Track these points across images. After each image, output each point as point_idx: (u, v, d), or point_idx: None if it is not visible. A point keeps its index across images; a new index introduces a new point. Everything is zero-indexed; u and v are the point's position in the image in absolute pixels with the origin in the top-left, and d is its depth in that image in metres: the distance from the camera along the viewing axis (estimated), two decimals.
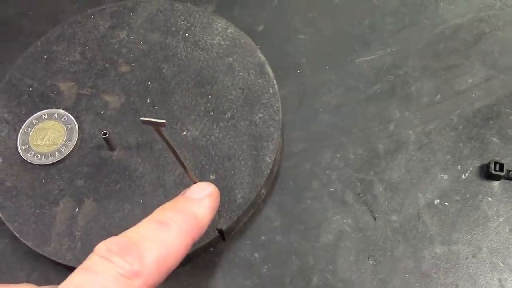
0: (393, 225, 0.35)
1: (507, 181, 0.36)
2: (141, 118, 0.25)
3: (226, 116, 0.36)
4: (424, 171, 0.36)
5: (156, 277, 0.25)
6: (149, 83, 0.38)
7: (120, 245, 0.25)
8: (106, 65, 0.38)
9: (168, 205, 0.28)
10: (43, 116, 0.37)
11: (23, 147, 0.35)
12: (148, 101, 0.37)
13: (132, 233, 0.26)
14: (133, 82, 0.38)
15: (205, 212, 0.29)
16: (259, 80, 0.37)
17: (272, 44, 0.41)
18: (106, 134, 0.34)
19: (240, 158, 0.35)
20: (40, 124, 0.36)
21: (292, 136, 0.38)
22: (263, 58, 0.38)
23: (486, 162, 0.36)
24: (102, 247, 0.25)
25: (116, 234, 0.32)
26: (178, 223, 0.27)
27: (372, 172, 0.37)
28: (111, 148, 0.35)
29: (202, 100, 0.37)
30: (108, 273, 0.24)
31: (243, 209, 0.33)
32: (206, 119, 0.36)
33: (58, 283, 0.23)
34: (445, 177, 0.36)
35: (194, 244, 0.32)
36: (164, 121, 0.24)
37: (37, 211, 0.34)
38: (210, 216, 0.29)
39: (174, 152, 0.28)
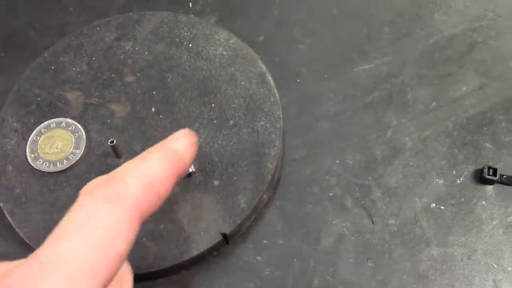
0: (391, 228, 0.36)
1: (501, 185, 0.37)
2: None
3: (229, 124, 0.37)
4: (421, 176, 0.38)
5: (145, 200, 0.25)
6: (154, 92, 0.39)
7: (102, 179, 0.25)
8: (112, 75, 0.40)
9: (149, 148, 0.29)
10: (51, 125, 0.38)
11: (32, 155, 0.37)
12: (153, 110, 0.38)
13: (114, 171, 0.26)
14: (138, 91, 0.39)
15: (184, 146, 0.29)
16: (260, 89, 0.38)
17: (273, 54, 0.43)
18: (113, 142, 0.35)
19: (243, 164, 0.36)
20: (49, 133, 0.37)
21: (293, 143, 0.39)
22: (264, 67, 0.39)
23: (480, 167, 0.38)
24: (84, 187, 0.25)
25: None
26: (159, 155, 0.27)
27: (370, 177, 0.38)
28: (118, 155, 0.36)
29: (205, 109, 0.38)
30: (94, 203, 0.23)
31: (246, 214, 0.35)
32: (210, 127, 0.37)
33: None
34: (441, 181, 0.37)
35: (198, 248, 0.33)
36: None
37: (46, 217, 0.35)
38: (190, 151, 0.30)
39: None
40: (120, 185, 0.24)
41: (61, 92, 0.39)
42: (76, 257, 0.21)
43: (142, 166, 0.26)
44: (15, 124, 0.38)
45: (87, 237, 0.22)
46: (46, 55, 0.41)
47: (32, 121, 0.38)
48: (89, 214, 0.23)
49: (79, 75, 0.40)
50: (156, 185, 0.26)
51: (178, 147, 0.29)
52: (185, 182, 0.35)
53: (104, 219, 0.23)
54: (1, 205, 0.35)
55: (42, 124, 0.38)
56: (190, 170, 0.35)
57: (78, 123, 0.38)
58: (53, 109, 0.39)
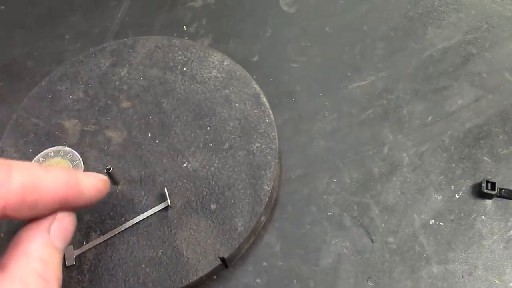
0: (390, 246, 0.36)
1: (500, 199, 0.37)
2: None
3: (225, 146, 0.37)
4: (419, 192, 0.37)
5: (18, 201, 0.24)
6: (150, 117, 0.39)
7: None
8: (108, 101, 0.40)
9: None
10: (50, 153, 0.38)
11: None
12: (149, 135, 0.38)
13: (11, 161, 0.26)
14: (134, 117, 0.39)
15: (89, 184, 0.29)
16: (255, 111, 0.39)
17: (267, 74, 0.43)
18: (110, 169, 0.35)
19: (239, 187, 0.36)
20: (47, 162, 0.38)
21: (289, 162, 0.39)
22: (258, 88, 0.40)
23: (478, 181, 0.37)
24: None
25: (122, 266, 0.33)
26: (59, 174, 0.27)
27: (368, 195, 0.38)
28: (115, 182, 0.36)
29: (201, 132, 0.38)
30: None
31: (244, 237, 0.35)
32: (206, 150, 0.37)
33: None
34: (439, 197, 0.37)
35: (197, 273, 0.33)
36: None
37: None
38: (93, 191, 0.30)
39: None
40: (5, 175, 0.24)
41: (59, 121, 0.40)
42: None
43: (39, 172, 0.26)
44: (14, 154, 0.39)
45: None
46: (43, 83, 0.41)
47: (31, 150, 0.39)
48: None
49: (75, 103, 0.40)
50: (38, 192, 0.25)
51: (84, 183, 0.29)
52: (181, 208, 0.35)
53: None
54: (2, 235, 0.36)
55: (41, 153, 0.38)
56: (167, 204, 0.35)
57: (76, 151, 0.38)
58: (51, 137, 0.39)
